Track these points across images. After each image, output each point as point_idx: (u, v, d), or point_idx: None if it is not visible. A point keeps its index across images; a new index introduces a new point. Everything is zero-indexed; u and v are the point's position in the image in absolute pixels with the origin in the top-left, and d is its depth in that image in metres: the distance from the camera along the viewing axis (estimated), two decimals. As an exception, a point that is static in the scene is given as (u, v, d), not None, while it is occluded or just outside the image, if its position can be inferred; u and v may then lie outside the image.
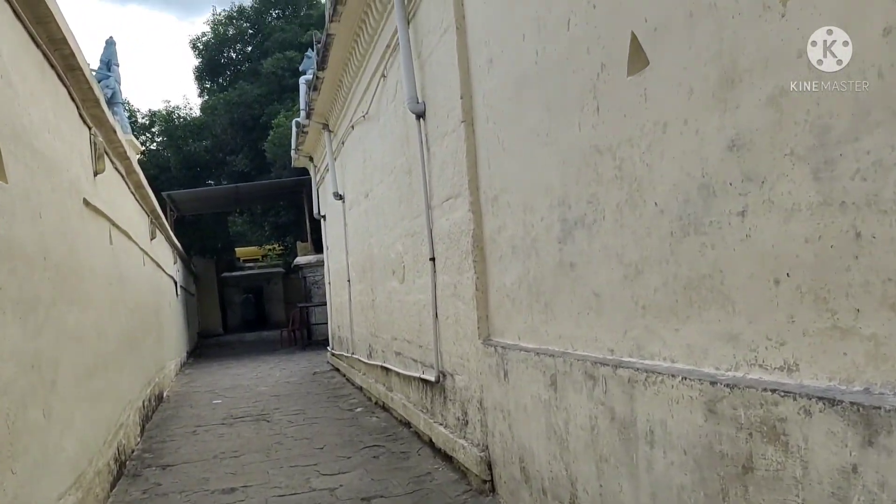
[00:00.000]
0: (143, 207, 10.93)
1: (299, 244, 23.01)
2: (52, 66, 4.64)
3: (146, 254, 10.63)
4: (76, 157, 5.37)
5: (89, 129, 6.06)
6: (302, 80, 11.20)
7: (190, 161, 27.68)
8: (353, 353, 10.64)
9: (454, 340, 5.33)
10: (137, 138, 30.29)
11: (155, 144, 30.83)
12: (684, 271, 2.59)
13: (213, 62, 29.52)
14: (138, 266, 9.66)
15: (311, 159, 13.75)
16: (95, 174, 6.19)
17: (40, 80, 4.29)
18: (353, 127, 9.30)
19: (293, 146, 13.42)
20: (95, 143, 6.14)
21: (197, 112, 30.51)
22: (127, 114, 29.75)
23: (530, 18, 3.69)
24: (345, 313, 11.46)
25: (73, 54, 4.96)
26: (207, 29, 29.46)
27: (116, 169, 7.94)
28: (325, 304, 19.52)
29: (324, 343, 20.54)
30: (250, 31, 29.61)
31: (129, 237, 8.68)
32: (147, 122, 30.30)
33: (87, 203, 5.66)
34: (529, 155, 3.88)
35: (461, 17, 4.81)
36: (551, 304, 3.76)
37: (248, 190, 22.07)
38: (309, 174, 21.15)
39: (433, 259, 5.71)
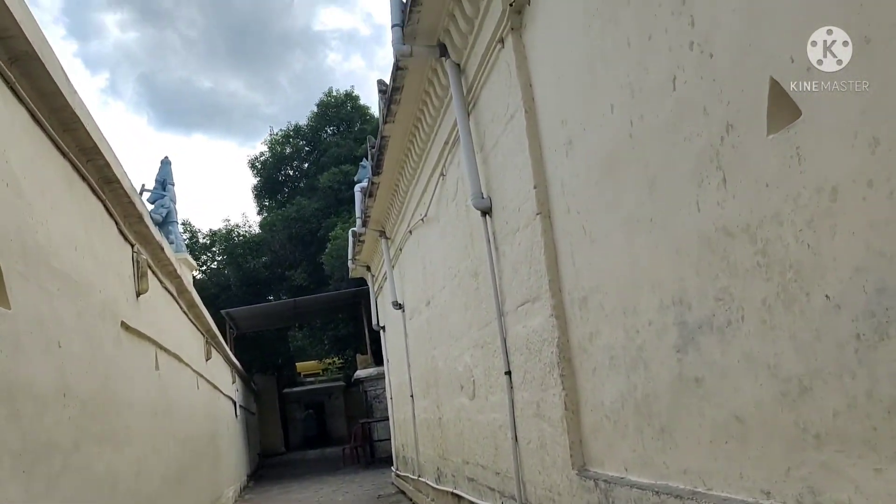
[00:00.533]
0: (198, 327, 10.53)
1: (359, 357, 22.44)
2: (84, 178, 4.24)
3: (201, 376, 10.14)
4: (113, 276, 4.92)
5: (132, 246, 5.65)
6: (357, 188, 10.91)
7: (249, 278, 27.78)
8: (419, 476, 9.78)
9: (540, 469, 4.54)
10: (198, 258, 30.81)
11: (216, 263, 31.22)
12: (886, 389, 1.85)
13: (270, 180, 30.11)
14: (191, 390, 9.14)
15: (368, 269, 13.32)
16: (138, 294, 5.74)
17: (66, 192, 3.87)
18: (410, 232, 8.81)
19: (350, 256, 13.03)
20: (138, 262, 5.72)
21: (256, 230, 30.92)
22: (188, 234, 30.40)
23: (620, 85, 3.12)
24: (409, 431, 10.67)
25: (108, 165, 4.58)
26: (265, 149, 30.24)
27: (166, 288, 7.54)
28: (387, 419, 18.75)
29: (387, 461, 19.60)
30: (306, 149, 30.26)
31: (181, 360, 8.20)
32: (208, 242, 30.75)
33: (126, 326, 5.17)
34: (627, 246, 3.22)
35: (530, 100, 4.28)
36: (669, 428, 3.00)
37: (307, 304, 21.79)
38: (366, 284, 20.89)
39: (509, 373, 5.00)
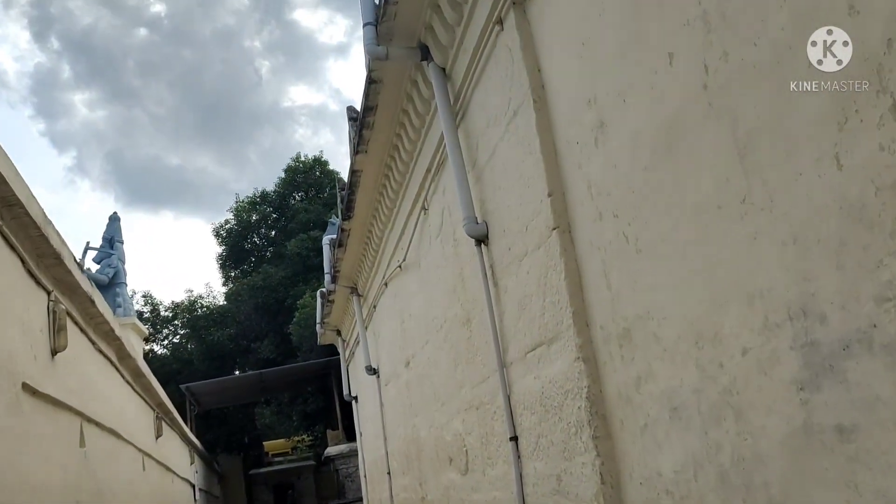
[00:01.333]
0: (146, 400, 9.34)
1: (329, 433, 21.05)
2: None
3: (148, 456, 8.91)
4: (13, 326, 3.87)
5: (47, 293, 4.62)
6: (325, 240, 9.94)
7: (213, 351, 26.38)
8: (399, 566, 8.55)
9: (564, 564, 3.50)
10: (159, 332, 29.37)
11: (178, 338, 29.76)
12: None
13: (236, 248, 29.03)
14: (134, 472, 7.92)
15: (338, 333, 12.24)
16: (54, 353, 4.66)
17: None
18: (386, 284, 7.84)
19: (318, 319, 11.97)
20: (55, 312, 4.67)
21: (221, 301, 29.65)
22: (148, 307, 29.02)
23: (684, 21, 2.26)
24: (386, 514, 9.45)
25: (5, 182, 3.59)
26: (230, 216, 29.21)
27: (99, 350, 6.45)
28: (361, 500, 17.33)
29: (362, 545, 18.12)
30: (273, 215, 29.32)
31: (119, 436, 7.03)
32: (170, 315, 29.35)
33: (30, 390, 4.09)
34: (701, 245, 2.30)
35: (539, 87, 3.42)
36: (785, 507, 2.03)
37: (273, 377, 20.48)
38: (337, 354, 19.69)
39: (515, 439, 3.99)
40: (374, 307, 8.86)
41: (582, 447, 3.16)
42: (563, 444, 3.37)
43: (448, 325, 5.35)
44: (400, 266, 6.89)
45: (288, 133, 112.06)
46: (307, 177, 29.22)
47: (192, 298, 29.13)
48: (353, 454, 19.09)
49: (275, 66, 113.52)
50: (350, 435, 20.47)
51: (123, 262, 11.91)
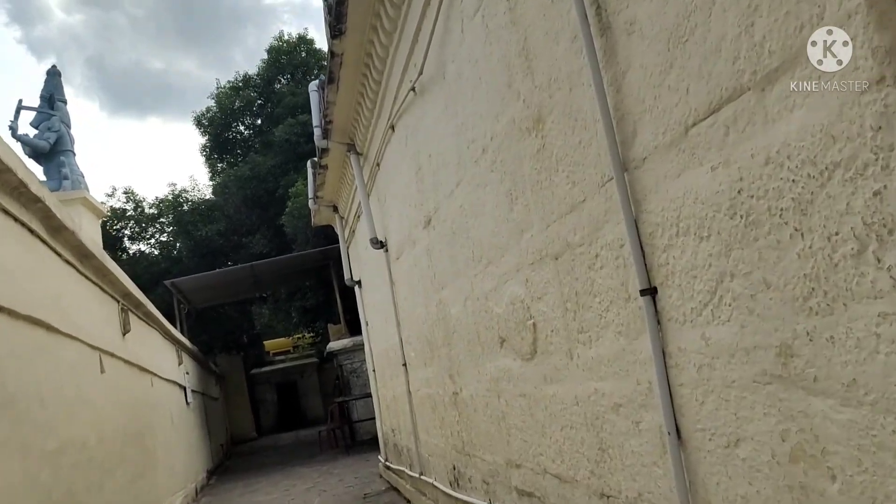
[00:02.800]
0: (106, 290, 7.67)
1: (331, 327, 19.62)
2: None
3: (110, 355, 7.30)
4: None
5: None
6: (312, 86, 8.04)
7: (202, 248, 24.67)
8: (420, 474, 7.09)
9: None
10: (145, 230, 27.62)
11: (165, 236, 28.02)
12: None
13: (220, 137, 26.84)
14: (86, 374, 6.31)
15: (335, 210, 10.47)
16: None
17: None
18: (393, 128, 6.03)
19: (310, 193, 10.18)
20: None
21: (208, 195, 27.73)
22: (131, 203, 27.16)
23: None
24: (401, 412, 7.96)
25: None
26: (212, 103, 26.90)
27: (13, 217, 4.70)
28: (368, 395, 16.04)
29: (371, 444, 16.91)
30: (259, 101, 27.00)
31: (54, 330, 5.37)
32: (155, 213, 27.48)
33: None
34: None
35: None
36: None
37: (266, 269, 18.83)
38: (335, 243, 18.01)
39: (651, 291, 2.29)
40: (378, 165, 7.07)
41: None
42: (800, 287, 1.64)
43: (498, 142, 3.57)
44: (413, 88, 5.05)
45: (271, 31, 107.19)
46: (292, 57, 26.69)
47: (176, 192, 27.16)
48: (359, 349, 17.69)
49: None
50: (354, 328, 19.09)
51: (69, 126, 9.93)
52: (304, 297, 23.49)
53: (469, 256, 4.38)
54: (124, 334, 8.22)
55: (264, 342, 35.36)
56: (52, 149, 9.38)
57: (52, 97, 9.80)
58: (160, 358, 11.21)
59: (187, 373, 14.77)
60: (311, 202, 10.34)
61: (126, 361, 8.13)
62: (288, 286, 23.15)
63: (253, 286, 20.50)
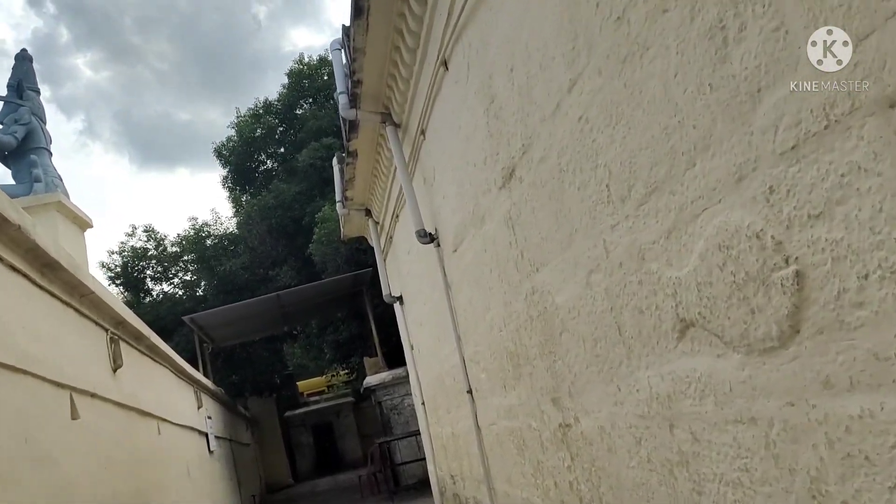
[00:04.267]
0: (88, 315, 6.07)
1: (367, 360, 17.90)
2: None
3: (90, 396, 5.66)
4: None
5: None
6: (333, 44, 6.42)
7: (226, 284, 23.19)
8: (500, 534, 5.30)
9: None
10: (168, 270, 26.25)
11: (189, 274, 26.63)
12: None
13: (242, 168, 25.53)
14: (49, 422, 4.66)
15: (368, 214, 8.84)
16: None
17: None
18: (446, 63, 4.41)
19: (338, 197, 8.56)
20: None
21: (231, 228, 26.36)
22: (152, 242, 25.86)
23: None
24: (466, 454, 6.21)
25: None
26: (232, 132, 25.63)
27: None
28: (414, 434, 14.26)
29: (417, 488, 15.12)
30: (280, 128, 25.71)
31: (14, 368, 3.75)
32: (178, 251, 26.11)
33: None
34: None
35: None
36: None
37: (294, 298, 17.20)
38: (369, 266, 16.39)
39: None
40: (423, 133, 5.43)
41: None
42: None
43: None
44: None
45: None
46: (313, 80, 25.45)
47: (198, 226, 25.76)
48: (399, 382, 16.00)
49: (272, 11, 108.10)
50: (392, 362, 17.39)
51: (43, 120, 8.39)
52: (337, 330, 21.84)
53: (599, 198, 2.68)
54: (115, 370, 6.59)
55: (297, 383, 33.73)
56: (22, 146, 7.84)
57: (20, 84, 8.22)
58: (172, 400, 9.58)
59: (209, 417, 13.12)
60: (338, 207, 8.70)
61: (118, 404, 6.50)
62: (319, 318, 21.53)
63: (281, 320, 18.86)
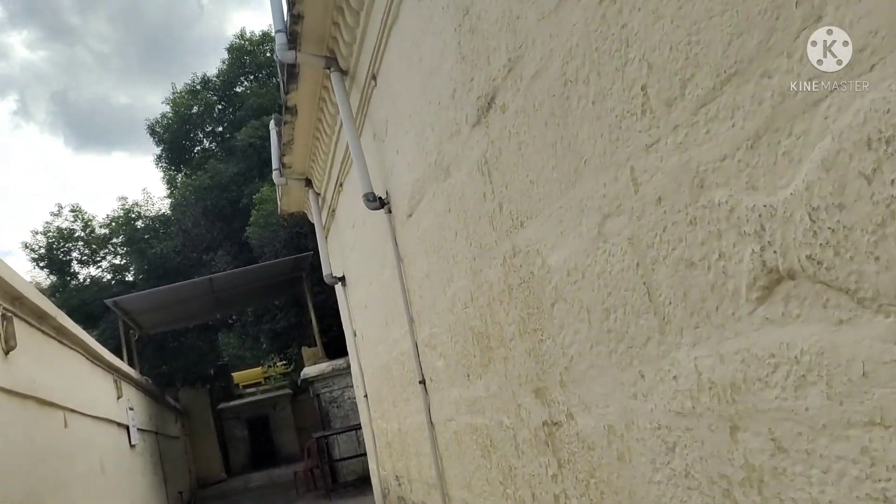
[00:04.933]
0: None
1: (305, 350, 16.97)
2: None
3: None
4: None
5: None
6: (272, -25, 5.57)
7: (157, 268, 21.87)
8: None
9: None
10: (96, 253, 24.75)
11: (119, 258, 25.12)
12: None
13: (176, 145, 24.16)
14: None
15: (308, 184, 7.95)
16: None
17: None
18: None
19: (275, 164, 7.67)
20: None
21: (164, 209, 24.96)
22: (80, 223, 24.31)
23: None
24: (415, 453, 5.43)
25: None
26: (167, 109, 24.25)
27: None
28: (354, 428, 13.41)
29: (356, 485, 14.31)
30: (219, 106, 24.42)
31: None
32: (107, 232, 24.56)
33: None
34: None
35: None
36: None
37: (228, 283, 16.12)
38: (309, 250, 15.47)
39: None
40: (374, 78, 4.62)
41: None
42: None
43: None
44: None
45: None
46: (255, 56, 24.24)
47: (127, 207, 24.25)
48: (339, 374, 15.11)
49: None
50: (332, 353, 16.48)
51: None
52: (275, 318, 20.76)
53: (626, 109, 1.92)
54: (6, 352, 5.60)
55: (233, 374, 32.46)
56: None
57: None
58: (84, 389, 8.55)
59: (131, 408, 12.04)
60: (275, 175, 7.79)
61: (8, 392, 5.51)
62: (255, 306, 20.43)
63: (214, 306, 17.72)
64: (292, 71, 5.41)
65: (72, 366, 8.02)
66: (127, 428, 11.43)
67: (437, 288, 4.10)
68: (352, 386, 13.24)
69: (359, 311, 7.24)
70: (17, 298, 6.07)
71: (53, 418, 6.86)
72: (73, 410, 7.63)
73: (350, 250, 7.03)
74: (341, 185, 6.65)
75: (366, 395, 7.64)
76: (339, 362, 14.71)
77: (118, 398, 10.97)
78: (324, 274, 8.00)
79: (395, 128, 4.47)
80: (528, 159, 2.59)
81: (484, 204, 3.11)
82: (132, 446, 11.68)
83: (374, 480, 7.99)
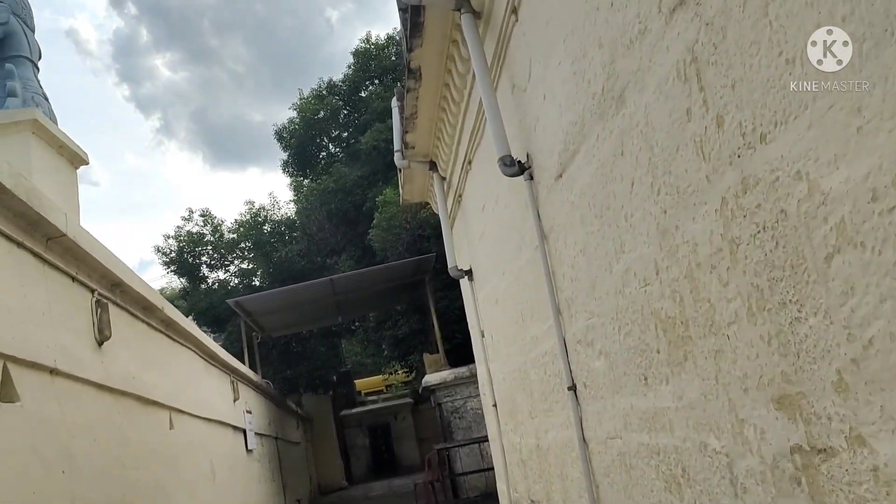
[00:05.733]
0: (61, 266, 4.57)
1: (426, 357, 16.25)
2: None
3: (52, 373, 4.13)
4: None
5: None
6: None
7: (282, 272, 21.86)
8: None
9: None
10: (224, 258, 25.13)
11: (247, 262, 25.44)
12: None
13: (302, 150, 24.20)
14: None
15: (433, 166, 7.15)
16: None
17: None
18: None
19: (396, 145, 6.93)
20: None
21: (289, 213, 25.09)
22: (209, 227, 24.75)
23: None
24: (560, 475, 4.46)
25: None
26: (294, 114, 24.36)
27: None
28: (477, 441, 12.54)
29: (479, 502, 13.43)
30: (345, 111, 24.31)
31: None
32: (235, 237, 24.91)
33: None
34: None
35: None
36: None
37: (349, 284, 15.64)
38: (432, 246, 14.80)
39: None
40: (515, 12, 3.73)
41: None
42: None
43: None
44: None
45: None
46: (380, 61, 23.99)
47: (254, 210, 24.48)
48: (461, 383, 14.28)
49: (344, 14, 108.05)
50: (454, 360, 15.70)
51: (30, 27, 6.88)
52: (396, 324, 20.25)
53: None
54: (100, 343, 5.06)
55: (355, 381, 32.40)
56: (-1, 47, 6.35)
57: (-6, -22, 6.78)
58: (195, 388, 8.09)
59: (249, 411, 11.65)
60: (397, 158, 7.04)
61: (99, 386, 4.96)
62: (377, 309, 19.98)
63: (335, 309, 17.33)
64: (416, 20, 4.59)
65: (182, 363, 7.55)
66: (244, 432, 11.04)
67: (599, 265, 3.13)
68: (475, 396, 12.39)
69: (487, 308, 6.34)
70: (116, 285, 5.57)
71: (156, 418, 6.35)
72: (180, 411, 7.13)
73: (478, 239, 6.16)
74: (470, 162, 5.79)
75: (494, 405, 6.72)
76: (462, 370, 13.94)
77: (234, 400, 10.57)
78: (448, 267, 7.17)
79: (541, 67, 3.55)
80: (777, 30, 1.61)
81: (687, 125, 2.13)
82: (248, 451, 11.27)
83: (504, 502, 7.04)
